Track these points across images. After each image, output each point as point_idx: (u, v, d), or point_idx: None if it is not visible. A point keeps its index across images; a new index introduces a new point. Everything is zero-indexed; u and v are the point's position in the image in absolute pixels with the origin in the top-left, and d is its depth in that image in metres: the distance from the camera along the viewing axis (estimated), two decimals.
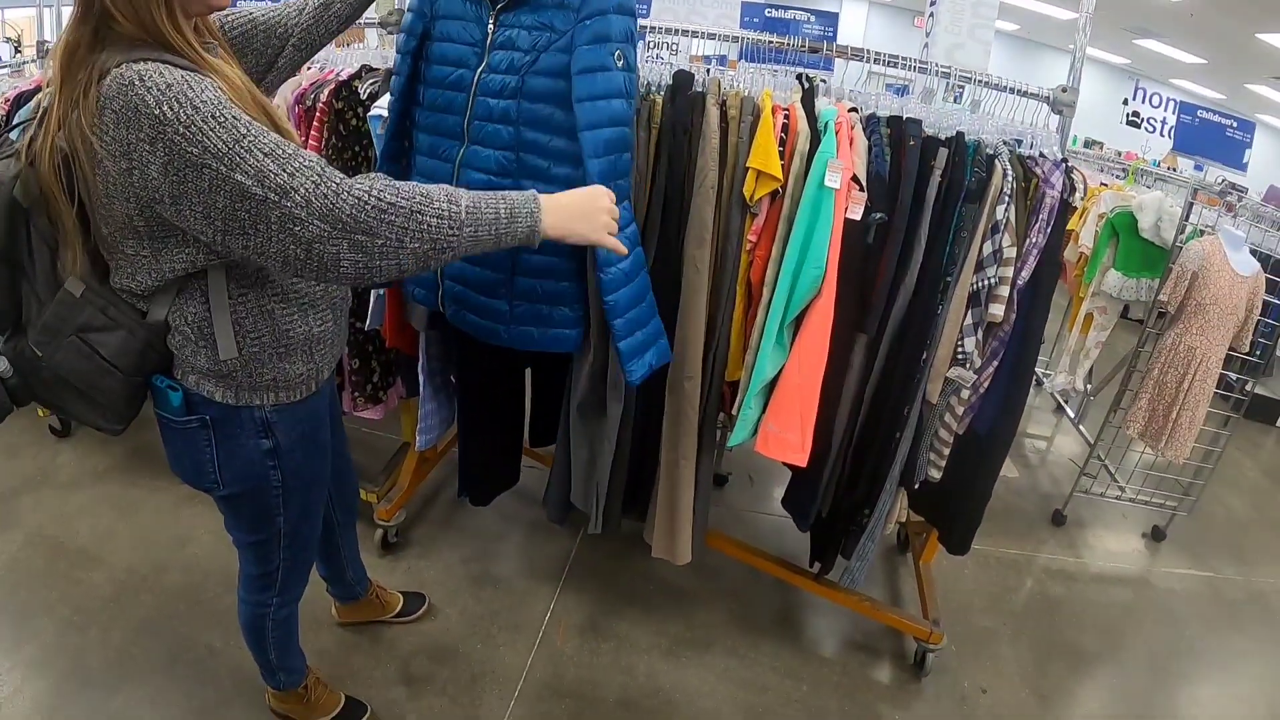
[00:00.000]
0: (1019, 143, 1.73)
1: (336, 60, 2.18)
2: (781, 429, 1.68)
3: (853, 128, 1.63)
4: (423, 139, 1.54)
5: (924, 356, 1.71)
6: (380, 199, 0.90)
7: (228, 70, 0.96)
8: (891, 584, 2.48)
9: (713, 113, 1.60)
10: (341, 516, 1.75)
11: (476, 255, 1.12)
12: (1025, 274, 1.65)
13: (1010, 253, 1.62)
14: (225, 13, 1.16)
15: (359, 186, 0.90)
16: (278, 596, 1.46)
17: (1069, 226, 3.09)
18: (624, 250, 1.12)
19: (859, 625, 2.27)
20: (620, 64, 1.31)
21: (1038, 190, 1.64)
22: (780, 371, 1.66)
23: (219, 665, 1.89)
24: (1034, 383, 3.11)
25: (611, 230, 1.09)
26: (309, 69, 2.17)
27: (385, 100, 1.83)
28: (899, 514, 1.95)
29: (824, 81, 2.09)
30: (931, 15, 4.14)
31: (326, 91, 1.98)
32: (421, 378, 2.06)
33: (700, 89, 1.63)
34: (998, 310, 1.64)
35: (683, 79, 1.63)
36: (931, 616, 2.13)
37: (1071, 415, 3.70)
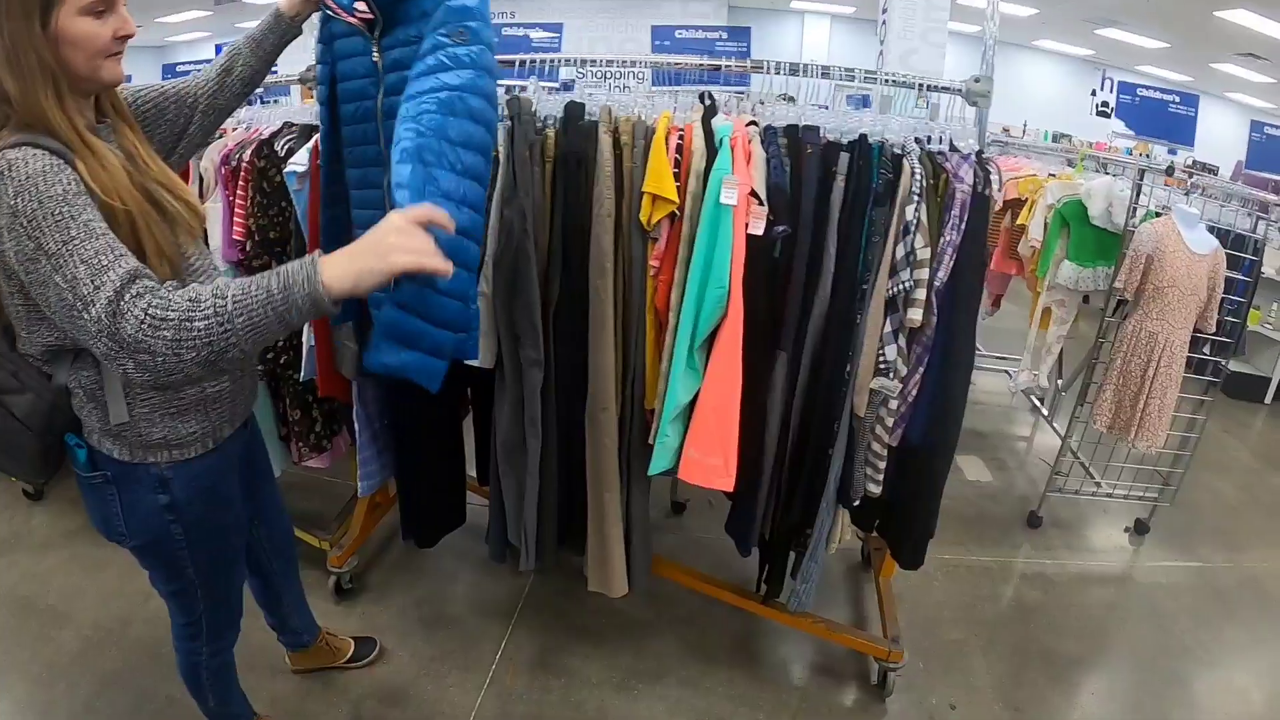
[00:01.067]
0: (929, 139, 1.58)
1: (261, 119, 2.10)
2: (703, 454, 1.53)
3: (750, 142, 1.49)
4: (353, 174, 1.50)
5: (847, 369, 1.55)
6: (154, 315, 0.86)
7: (106, 153, 0.96)
8: (857, 602, 2.30)
9: (604, 141, 1.48)
10: (277, 565, 1.66)
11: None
12: (943, 274, 1.49)
13: (924, 254, 1.47)
14: (139, 87, 1.17)
15: (141, 305, 0.87)
16: (207, 645, 1.42)
17: (1019, 221, 2.93)
18: (442, 269, 0.89)
19: (820, 647, 2.09)
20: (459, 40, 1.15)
21: (948, 186, 1.49)
22: (696, 396, 1.52)
23: (178, 714, 1.80)
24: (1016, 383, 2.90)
25: (410, 248, 0.88)
26: (235, 128, 2.10)
27: (302, 155, 1.74)
28: (841, 532, 1.78)
29: (741, 96, 1.97)
30: (884, 23, 3.99)
31: (249, 151, 1.91)
32: (357, 425, 1.96)
33: (593, 118, 1.51)
34: (916, 315, 1.48)
35: (574, 110, 1.51)
36: (891, 634, 1.95)
37: (1045, 412, 3.49)
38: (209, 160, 2.01)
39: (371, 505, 2.30)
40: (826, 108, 1.61)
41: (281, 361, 2.10)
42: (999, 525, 2.80)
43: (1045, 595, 2.46)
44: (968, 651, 2.16)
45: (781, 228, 1.45)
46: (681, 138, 1.50)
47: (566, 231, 1.49)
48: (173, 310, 0.86)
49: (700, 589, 2.08)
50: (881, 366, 1.52)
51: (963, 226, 1.48)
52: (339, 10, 1.27)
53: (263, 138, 1.95)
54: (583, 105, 1.51)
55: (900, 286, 1.47)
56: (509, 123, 1.48)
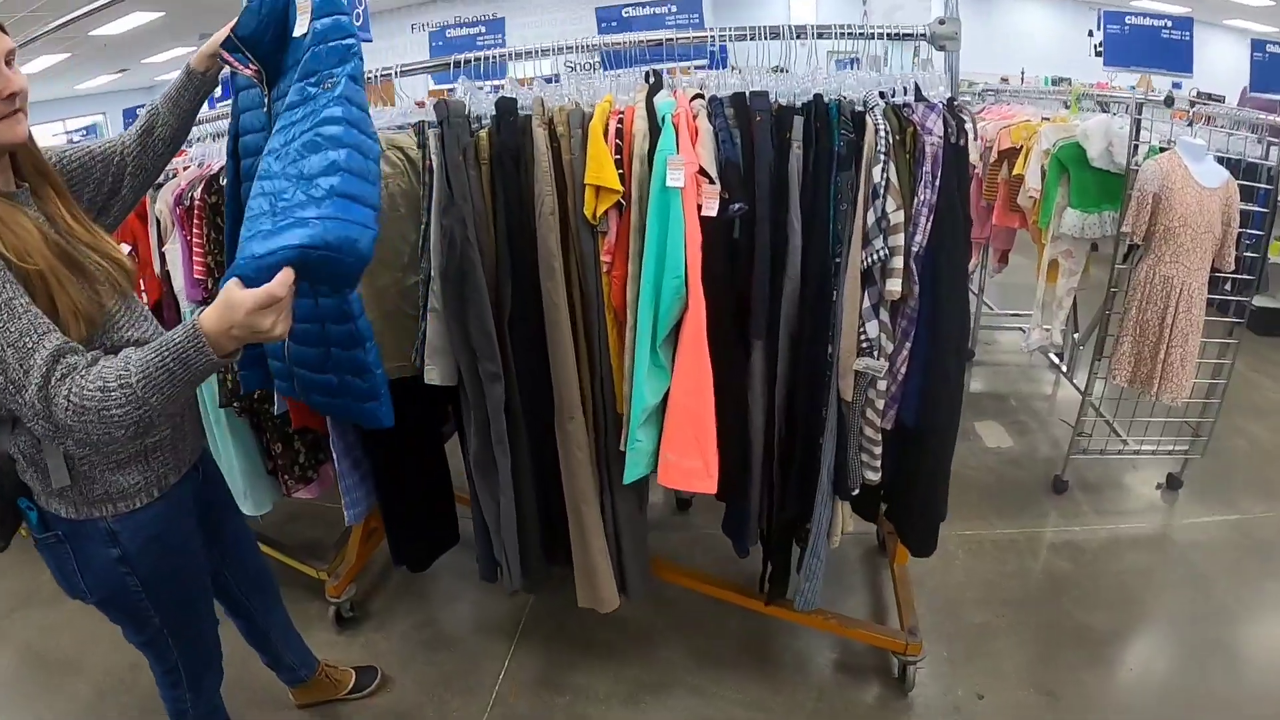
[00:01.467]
0: (891, 93, 1.42)
1: (212, 153, 2.01)
2: (680, 456, 1.41)
3: (695, 117, 1.35)
4: None
5: (829, 351, 1.41)
6: (75, 403, 0.86)
7: (16, 216, 0.94)
8: (874, 588, 2.16)
9: (538, 134, 1.35)
10: (256, 603, 1.59)
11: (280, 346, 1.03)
12: (920, 239, 1.34)
13: (897, 218, 1.32)
14: (65, 148, 1.16)
15: (64, 392, 0.86)
16: (189, 693, 1.38)
17: (1015, 171, 2.72)
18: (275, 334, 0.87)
19: (837, 641, 1.95)
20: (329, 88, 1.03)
21: (916, 140, 1.33)
22: (666, 395, 1.39)
23: None
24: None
25: (261, 304, 0.84)
26: (187, 166, 2.01)
27: None
28: (843, 523, 1.64)
29: (698, 69, 1.81)
30: None
31: (200, 189, 1.82)
32: (335, 454, 1.86)
33: (527, 111, 1.38)
34: (895, 285, 1.33)
35: (505, 105, 1.38)
36: (908, 625, 1.80)
37: (1063, 369, 3.27)
38: (163, 203, 1.93)
39: (366, 531, 2.21)
40: (784, 69, 1.45)
41: (256, 395, 2.02)
42: (1022, 493, 2.62)
43: (1075, 565, 2.29)
44: (994, 634, 2.00)
45: (738, 205, 1.31)
46: (621, 122, 1.36)
47: (511, 234, 1.37)
48: (89, 400, 0.86)
49: (706, 590, 1.95)
50: (864, 346, 1.37)
51: (936, 184, 1.33)
52: (235, 63, 1.17)
53: (212, 173, 1.85)
54: (514, 100, 1.38)
55: (875, 256, 1.32)
56: (438, 127, 1.35)
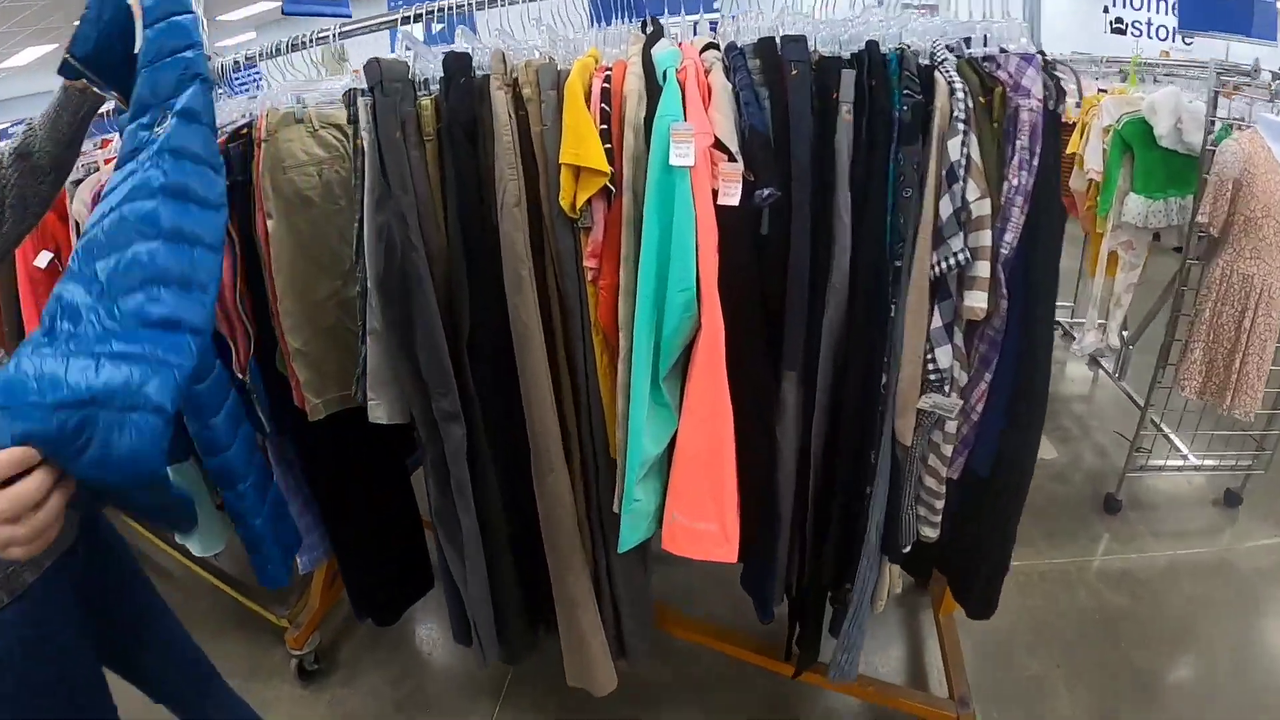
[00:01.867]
0: (968, 41, 1.06)
1: None
2: (690, 518, 1.07)
3: (707, 71, 1.00)
4: None
5: (883, 382, 1.07)
6: None
7: None
8: (914, 637, 1.84)
9: (498, 99, 0.99)
10: (188, 686, 1.26)
11: None
12: (1011, 237, 0.99)
13: (981, 209, 0.97)
14: None
15: None
16: None
17: (1069, 150, 2.36)
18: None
19: (872, 705, 1.63)
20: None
21: (1005, 104, 0.98)
22: (672, 440, 1.05)
23: None
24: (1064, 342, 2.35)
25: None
26: (110, 159, 1.65)
27: None
28: (890, 585, 1.31)
29: (712, 24, 1.43)
30: None
31: None
32: (285, 492, 1.54)
33: (485, 71, 1.02)
34: (978, 300, 0.99)
35: (456, 63, 1.03)
36: (958, 693, 1.48)
37: (1111, 373, 2.92)
38: (80, 202, 1.57)
39: (330, 574, 1.89)
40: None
41: None
42: (1071, 513, 2.29)
43: (1132, 599, 1.97)
44: (1049, 685, 1.69)
45: (767, 192, 0.96)
46: (609, 81, 1.00)
47: (467, 233, 1.02)
48: None
49: (723, 649, 1.63)
50: (932, 378, 1.03)
51: (1034, 163, 0.98)
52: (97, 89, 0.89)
53: None
54: (467, 56, 1.02)
55: (951, 260, 0.97)
56: (369, 95, 1.00)
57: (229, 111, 1.29)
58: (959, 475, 1.16)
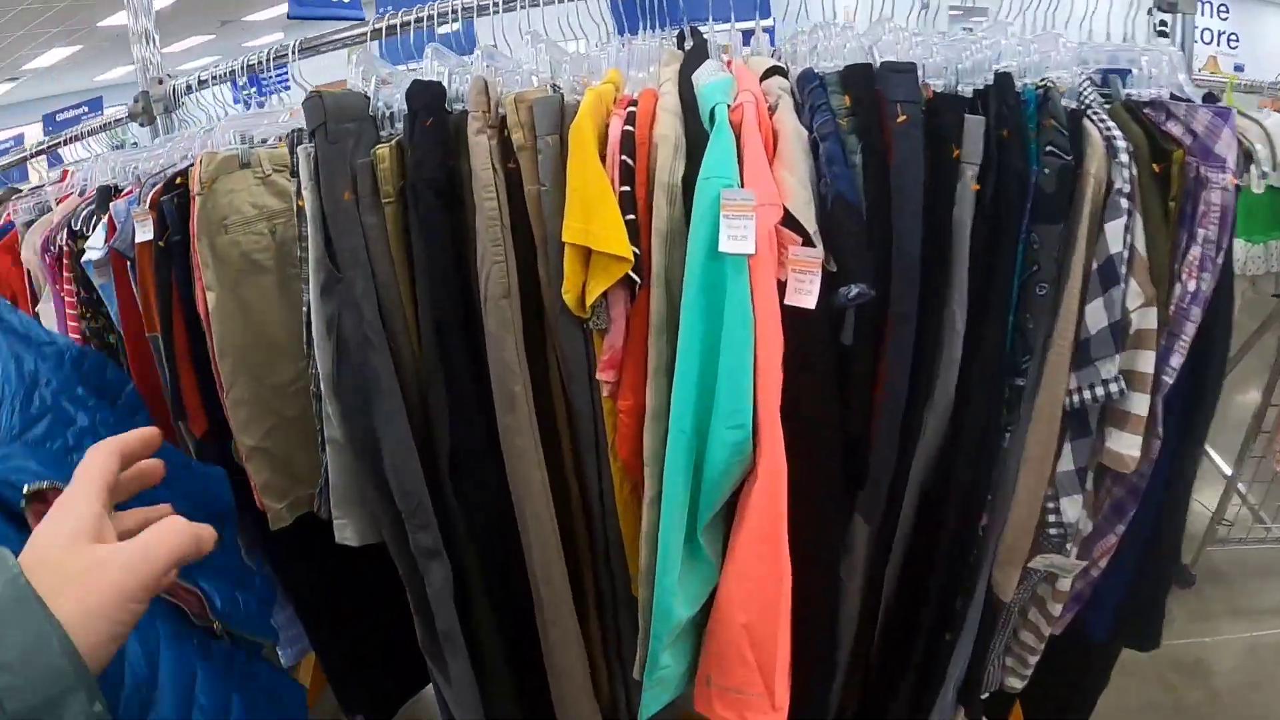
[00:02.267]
0: (1125, 76, 0.77)
1: (99, 174, 1.33)
2: (731, 684, 0.81)
3: (772, 109, 0.72)
4: None
5: (982, 523, 0.80)
6: None
7: None
8: None
9: (479, 146, 0.71)
10: None
11: None
12: (1177, 361, 0.71)
13: (1145, 319, 0.69)
14: None
15: None
16: None
17: None
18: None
19: None
20: None
21: (1184, 173, 0.70)
22: (711, 598, 0.79)
23: None
24: None
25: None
26: (65, 196, 1.35)
27: (98, 235, 1.02)
28: None
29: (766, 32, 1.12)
30: None
31: (63, 236, 1.18)
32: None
33: (461, 103, 0.75)
34: (1129, 444, 0.72)
35: (421, 96, 0.74)
36: None
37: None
38: (30, 249, 1.29)
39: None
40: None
41: None
42: None
43: (1209, 694, 1.71)
44: None
45: (856, 290, 0.69)
46: (632, 121, 0.73)
47: (441, 328, 0.75)
48: None
49: None
50: (1052, 532, 0.76)
51: (1219, 260, 0.69)
52: None
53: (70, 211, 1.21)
54: (438, 86, 0.75)
55: (1099, 390, 0.70)
56: (309, 142, 0.73)
57: (169, 155, 1.01)
58: (1062, 630, 0.89)
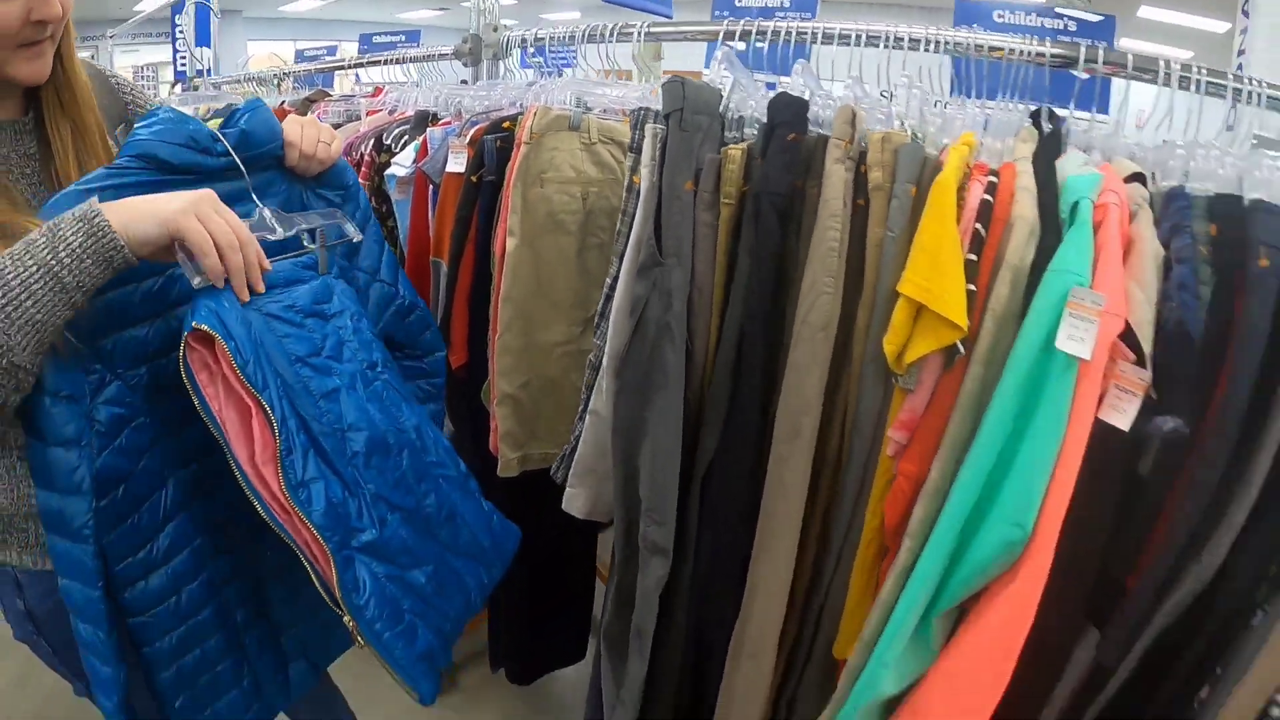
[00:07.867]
0: None
1: (409, 100, 1.55)
2: None
3: (1133, 217, 0.78)
4: None
5: (1201, 694, 0.84)
6: None
7: None
8: None
9: (835, 175, 0.82)
10: None
11: None
12: None
13: None
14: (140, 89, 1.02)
15: None
16: None
17: None
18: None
19: None
20: None
21: None
22: (919, 682, 0.86)
23: None
24: None
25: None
26: (375, 110, 1.56)
27: (407, 154, 1.23)
28: None
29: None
30: (1245, 12, 2.86)
31: (369, 145, 1.41)
32: None
33: (820, 128, 0.84)
34: None
35: (787, 107, 0.87)
36: None
37: None
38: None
39: None
40: None
41: None
42: None
43: None
44: None
45: (1171, 424, 0.74)
46: (992, 189, 0.80)
47: (745, 342, 0.86)
48: None
49: None
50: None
51: None
52: None
53: (396, 124, 1.42)
54: (803, 103, 0.85)
55: None
56: (662, 122, 0.85)
57: (497, 98, 1.18)
58: None
